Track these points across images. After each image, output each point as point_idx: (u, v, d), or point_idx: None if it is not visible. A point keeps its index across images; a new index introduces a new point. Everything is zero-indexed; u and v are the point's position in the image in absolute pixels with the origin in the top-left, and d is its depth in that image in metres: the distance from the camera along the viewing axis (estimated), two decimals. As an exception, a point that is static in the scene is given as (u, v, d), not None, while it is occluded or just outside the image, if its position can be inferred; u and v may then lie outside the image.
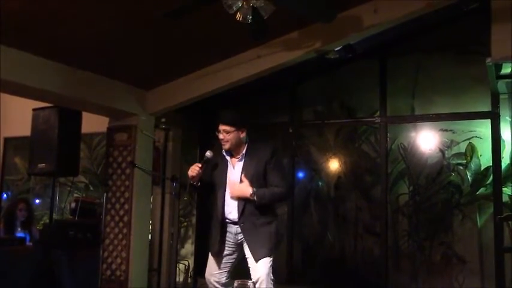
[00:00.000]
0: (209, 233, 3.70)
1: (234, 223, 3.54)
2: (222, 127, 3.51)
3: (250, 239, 3.49)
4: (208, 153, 3.55)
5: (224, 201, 3.57)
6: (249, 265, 3.52)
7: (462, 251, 5.53)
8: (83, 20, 4.13)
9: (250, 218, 3.49)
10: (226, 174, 3.59)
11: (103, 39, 4.48)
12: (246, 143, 3.59)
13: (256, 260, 3.46)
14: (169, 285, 6.10)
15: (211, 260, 3.64)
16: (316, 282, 5.90)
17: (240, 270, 3.58)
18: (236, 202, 3.52)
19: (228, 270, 3.62)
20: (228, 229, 3.57)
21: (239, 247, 3.59)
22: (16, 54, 4.43)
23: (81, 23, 4.17)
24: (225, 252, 3.60)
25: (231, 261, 3.63)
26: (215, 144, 3.64)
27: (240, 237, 3.55)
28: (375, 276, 5.71)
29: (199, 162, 3.56)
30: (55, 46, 4.51)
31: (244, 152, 3.58)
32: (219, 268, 3.60)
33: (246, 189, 3.45)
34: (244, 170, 3.53)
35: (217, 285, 3.60)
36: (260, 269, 3.42)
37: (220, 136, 3.52)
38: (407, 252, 5.82)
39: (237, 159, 3.59)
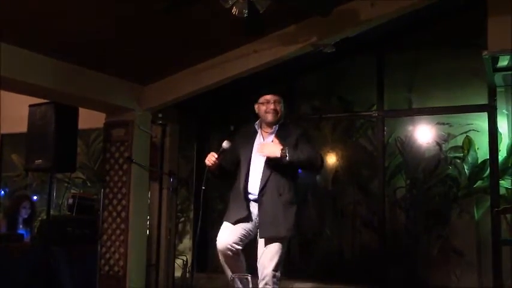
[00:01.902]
0: (227, 207, 3.57)
1: (256, 201, 3.42)
2: (274, 97, 3.54)
3: (264, 214, 3.34)
4: (225, 144, 3.49)
5: (248, 174, 3.48)
6: (258, 255, 3.37)
7: (459, 244, 5.55)
8: (79, 15, 4.11)
9: (272, 194, 3.36)
10: (252, 147, 3.54)
11: (99, 35, 4.46)
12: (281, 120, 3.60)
13: (266, 236, 3.31)
14: (167, 280, 6.12)
15: (225, 229, 3.42)
16: (314, 276, 5.91)
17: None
18: (260, 175, 3.41)
19: (242, 240, 3.38)
20: (252, 209, 3.44)
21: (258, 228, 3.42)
22: (12, 50, 4.41)
23: (78, 18, 4.15)
24: (246, 224, 3.40)
25: (247, 232, 3.41)
26: (229, 131, 3.65)
27: None
28: (372, 270, 5.73)
29: (215, 152, 3.47)
30: (51, 42, 4.48)
31: (277, 127, 3.55)
32: (234, 235, 3.36)
33: (276, 147, 3.31)
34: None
35: (230, 253, 3.32)
36: (267, 264, 3.28)
37: (271, 106, 3.51)
38: (405, 245, 5.84)
39: (268, 133, 3.56)
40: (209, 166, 3.44)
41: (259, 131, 3.61)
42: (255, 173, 3.47)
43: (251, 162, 3.51)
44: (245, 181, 3.47)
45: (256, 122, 3.64)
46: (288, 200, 3.38)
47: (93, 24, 4.25)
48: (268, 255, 3.32)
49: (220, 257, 3.38)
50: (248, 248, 3.51)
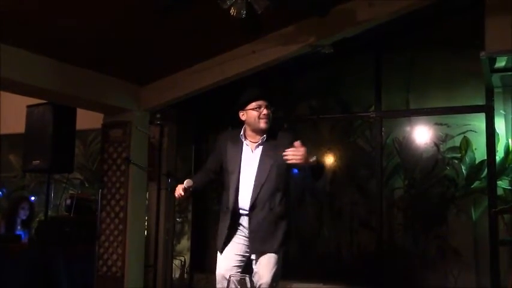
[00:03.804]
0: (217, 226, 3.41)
1: (247, 214, 3.26)
2: (265, 102, 3.30)
3: (258, 229, 3.20)
4: (186, 183, 3.31)
5: (238, 188, 3.28)
6: (253, 265, 3.26)
7: (457, 244, 5.55)
8: (77, 16, 4.11)
9: (263, 209, 3.21)
10: (240, 158, 3.32)
11: (97, 36, 4.46)
12: None
13: (257, 252, 3.20)
14: (165, 281, 6.11)
15: (224, 257, 3.30)
16: (311, 276, 5.91)
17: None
18: (251, 188, 3.23)
19: (241, 265, 3.29)
20: (242, 222, 3.28)
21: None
22: (10, 51, 4.40)
23: (76, 19, 4.15)
24: (239, 247, 3.29)
25: (245, 255, 3.30)
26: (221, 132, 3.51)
27: None
28: (370, 270, 5.73)
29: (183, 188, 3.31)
30: (49, 42, 4.48)
31: (265, 136, 3.30)
32: (235, 263, 3.27)
33: (306, 155, 3.05)
34: (268, 154, 3.26)
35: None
36: (264, 275, 3.18)
37: (265, 112, 3.26)
38: (403, 246, 5.85)
39: (256, 143, 3.32)
40: (177, 198, 3.37)
41: (245, 141, 3.35)
42: (245, 186, 3.28)
43: (240, 175, 3.30)
44: (235, 196, 3.28)
45: (241, 133, 3.37)
46: (279, 214, 3.25)
47: (92, 24, 4.25)
48: (265, 266, 3.21)
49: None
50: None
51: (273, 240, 3.22)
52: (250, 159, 3.33)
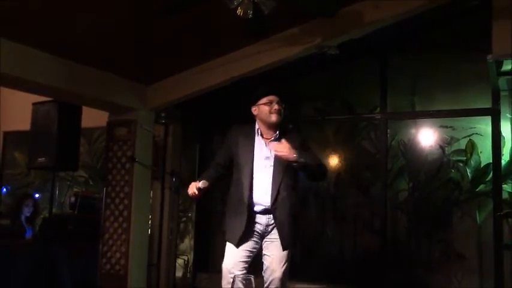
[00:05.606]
0: (225, 222, 3.44)
1: (264, 212, 3.30)
2: (277, 97, 3.38)
3: (283, 225, 3.28)
4: (201, 184, 3.32)
5: (252, 182, 3.32)
6: (264, 261, 3.34)
7: (461, 248, 5.53)
8: (83, 13, 4.11)
9: (284, 206, 3.29)
10: (253, 152, 3.37)
11: (103, 34, 4.47)
12: None
13: (285, 247, 3.28)
14: (168, 280, 6.12)
15: (232, 251, 3.33)
16: (314, 278, 5.91)
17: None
18: (270, 185, 3.28)
19: (248, 261, 3.33)
20: (257, 220, 3.32)
21: (262, 240, 3.35)
22: (15, 47, 4.41)
23: (81, 16, 4.16)
24: (249, 243, 3.32)
25: (253, 252, 3.35)
26: (231, 127, 3.53)
27: (270, 229, 3.31)
28: (373, 273, 5.72)
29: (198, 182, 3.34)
30: (55, 40, 4.49)
31: (278, 132, 3.38)
32: (242, 258, 3.31)
33: (291, 149, 3.15)
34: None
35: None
36: (277, 269, 3.27)
37: (276, 107, 3.34)
38: (406, 248, 5.83)
39: (269, 140, 3.37)
40: (191, 197, 3.39)
41: (259, 137, 3.41)
42: (261, 182, 3.31)
43: (254, 170, 3.33)
44: (250, 189, 3.30)
45: (256, 128, 3.43)
46: (296, 211, 3.37)
47: (98, 22, 4.26)
48: (277, 262, 3.29)
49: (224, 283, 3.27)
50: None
51: (294, 236, 3.36)
52: (263, 154, 3.37)
